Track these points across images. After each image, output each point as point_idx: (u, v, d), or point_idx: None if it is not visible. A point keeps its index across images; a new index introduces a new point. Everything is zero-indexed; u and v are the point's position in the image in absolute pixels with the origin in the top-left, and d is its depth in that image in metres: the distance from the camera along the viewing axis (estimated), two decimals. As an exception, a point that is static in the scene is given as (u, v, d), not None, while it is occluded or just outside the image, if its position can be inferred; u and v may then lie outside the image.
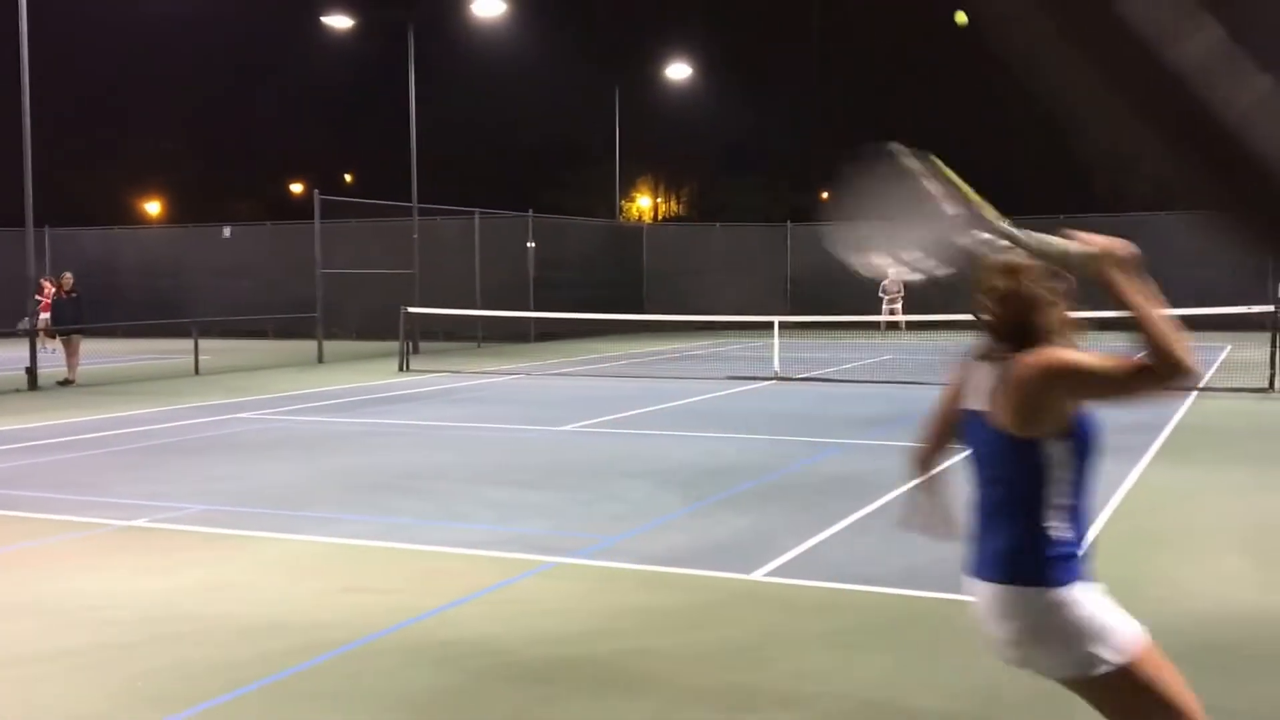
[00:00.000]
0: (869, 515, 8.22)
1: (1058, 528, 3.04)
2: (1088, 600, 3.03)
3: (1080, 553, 3.08)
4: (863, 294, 31.67)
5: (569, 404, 15.81)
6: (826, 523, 7.95)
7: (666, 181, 62.34)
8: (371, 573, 6.94)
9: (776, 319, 20.36)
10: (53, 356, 20.82)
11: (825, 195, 59.30)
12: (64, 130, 43.68)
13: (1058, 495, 3.03)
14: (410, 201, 28.13)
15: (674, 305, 32.74)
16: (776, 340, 19.45)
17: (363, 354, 24.99)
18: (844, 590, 6.39)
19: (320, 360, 23.56)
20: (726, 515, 8.34)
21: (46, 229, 32.53)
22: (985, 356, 3.14)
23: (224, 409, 15.43)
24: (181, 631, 5.79)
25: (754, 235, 37.90)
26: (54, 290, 20.53)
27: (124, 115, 55.16)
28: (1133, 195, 40.00)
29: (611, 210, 43.46)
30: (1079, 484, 3.06)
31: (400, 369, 21.28)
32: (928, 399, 13.80)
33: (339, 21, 30.90)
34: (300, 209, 39.61)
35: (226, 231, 36.18)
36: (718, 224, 40.15)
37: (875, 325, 30.91)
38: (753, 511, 8.45)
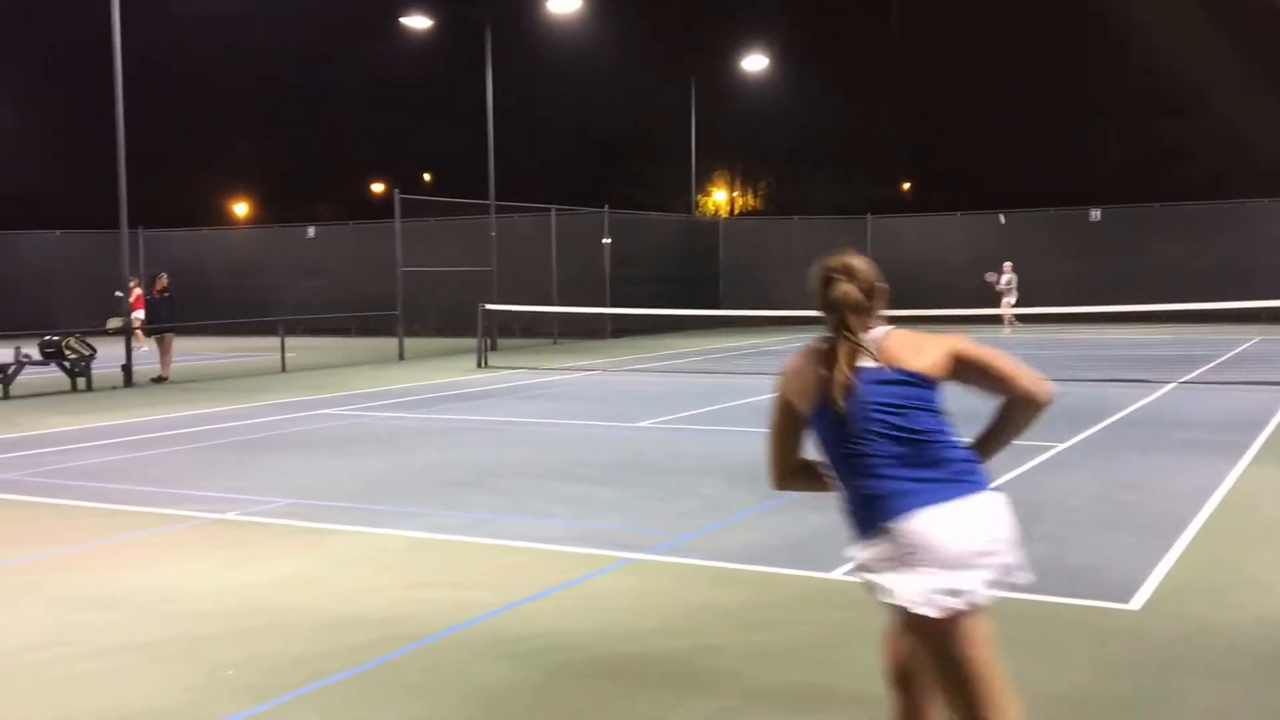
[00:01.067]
0: (945, 512, 8.13)
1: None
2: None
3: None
4: (943, 288, 31.34)
5: (644, 400, 15.85)
6: (902, 519, 7.87)
7: (743, 175, 62.08)
8: (448, 567, 7.03)
9: (855, 314, 20.16)
10: (147, 354, 21.35)
11: (906, 187, 58.73)
12: (156, 134, 44.67)
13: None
14: (487, 199, 28.37)
15: (751, 300, 32.65)
16: (854, 335, 19.26)
17: (442, 351, 25.27)
18: (919, 588, 6.33)
19: (401, 357, 23.88)
20: (803, 513, 8.30)
21: (140, 231, 33.36)
22: (840, 337, 3.59)
23: (308, 405, 15.71)
24: (263, 624, 5.91)
25: (833, 228, 37.57)
26: (140, 290, 21.02)
27: (212, 118, 56.29)
28: (1237, 181, 39.08)
29: (688, 204, 43.42)
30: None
31: (478, 365, 21.49)
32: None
33: (417, 22, 31.23)
34: (381, 208, 40.14)
35: (310, 231, 36.80)
36: (796, 217, 39.92)
37: (961, 319, 30.32)
38: (827, 509, 8.37)
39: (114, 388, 18.84)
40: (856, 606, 6.06)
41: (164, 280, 20.78)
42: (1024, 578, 3.46)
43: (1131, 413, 13.47)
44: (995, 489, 3.37)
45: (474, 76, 29.59)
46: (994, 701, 3.21)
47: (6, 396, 17.52)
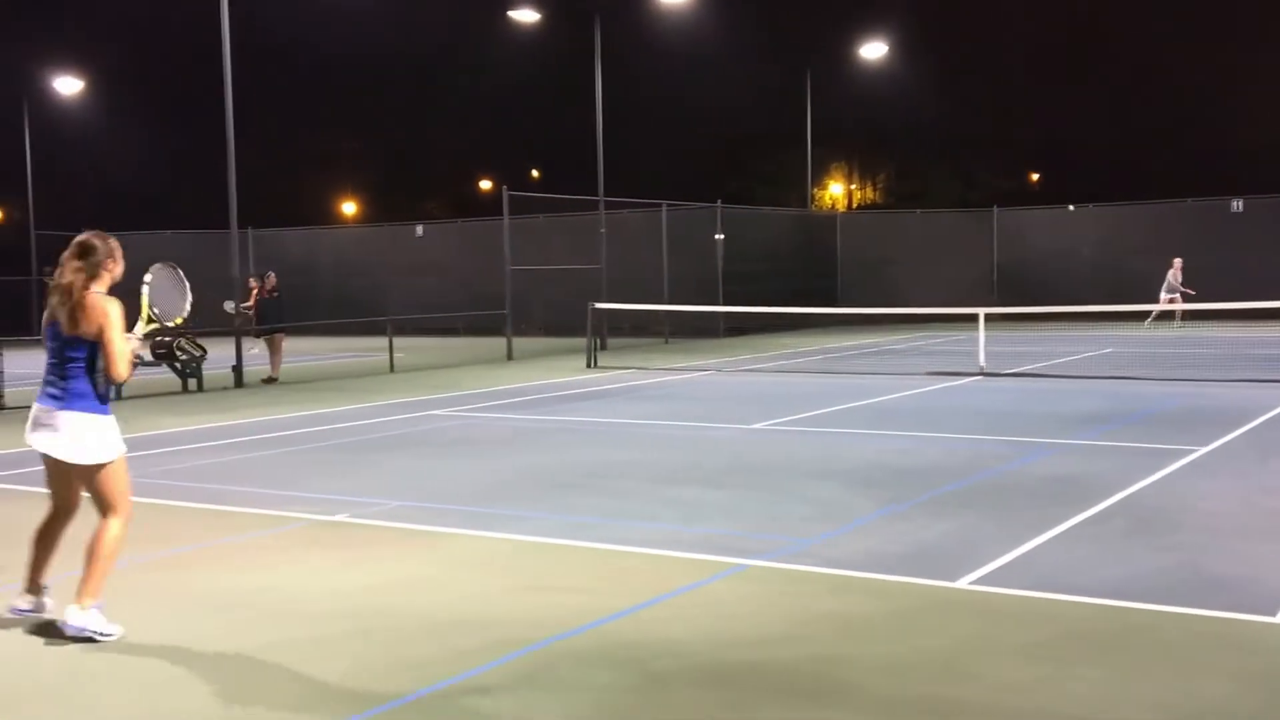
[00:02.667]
0: (1083, 522, 7.94)
1: (100, 384, 5.99)
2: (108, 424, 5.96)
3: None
4: (1075, 282, 30.65)
5: (758, 401, 15.77)
6: (1036, 529, 7.70)
7: (861, 167, 61.46)
8: (558, 572, 7.07)
9: (982, 310, 19.84)
10: (257, 356, 21.90)
11: (1035, 178, 57.58)
12: (267, 133, 45.88)
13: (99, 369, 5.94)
14: (597, 195, 28.51)
15: (870, 297, 32.32)
16: (982, 333, 18.96)
17: (551, 350, 25.47)
18: (1052, 600, 6.18)
19: (510, 357, 24.14)
20: (926, 519, 8.18)
21: (250, 230, 34.29)
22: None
23: (417, 406, 15.96)
24: (374, 627, 6.01)
25: (956, 222, 37.05)
26: (257, 289, 21.56)
27: (321, 117, 57.61)
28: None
29: (803, 199, 43.13)
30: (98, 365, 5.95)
31: (587, 365, 21.61)
32: (1152, 395, 13.37)
33: (526, 15, 31.54)
34: (489, 206, 40.64)
35: (419, 230, 37.43)
36: (917, 210, 39.40)
37: (1115, 316, 29.55)
38: (955, 515, 8.27)
39: (224, 388, 19.38)
40: (985, 618, 5.94)
41: (273, 280, 21.29)
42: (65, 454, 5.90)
43: (1278, 415, 13.00)
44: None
45: (583, 70, 29.78)
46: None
47: (119, 397, 18.13)
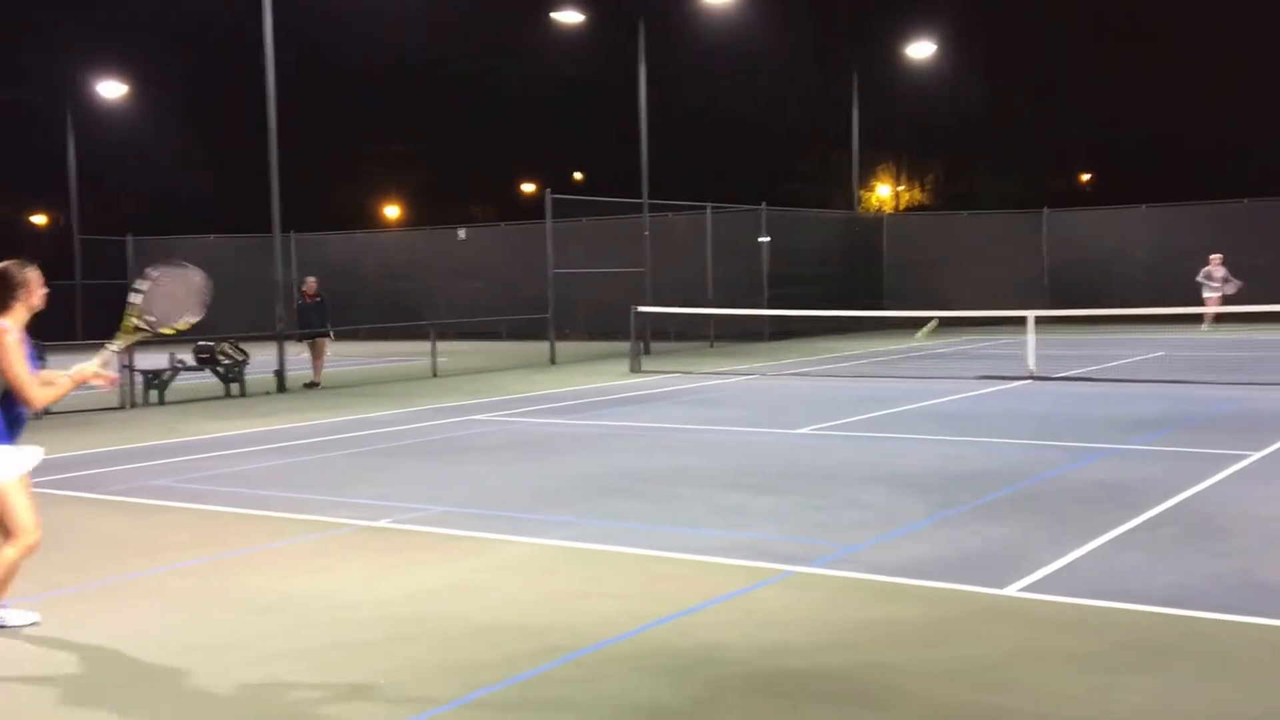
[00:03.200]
0: (1136, 528, 7.89)
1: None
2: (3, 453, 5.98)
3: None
4: (1127, 284, 30.37)
5: (804, 405, 15.76)
6: (1087, 535, 7.66)
7: (908, 168, 61.14)
8: (603, 577, 7.11)
9: (1032, 313, 19.72)
10: (299, 359, 22.12)
11: (1086, 179, 57.05)
12: (309, 137, 46.31)
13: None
14: (640, 198, 28.56)
15: (918, 300, 32.16)
16: (1032, 336, 18.84)
17: (594, 354, 25.55)
18: (1103, 608, 6.15)
19: (553, 361, 24.23)
20: (976, 525, 8.15)
21: (292, 234, 34.60)
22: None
23: (460, 411, 16.07)
24: (418, 633, 6.07)
25: (1006, 224, 36.79)
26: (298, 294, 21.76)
27: (363, 121, 58.04)
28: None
29: (849, 200, 42.98)
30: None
31: (631, 370, 21.66)
32: (1206, 398, 13.24)
33: (569, 17, 31.65)
34: (532, 209, 40.79)
35: (462, 233, 37.62)
36: (965, 212, 39.17)
37: (1168, 319, 29.23)
38: (1005, 521, 8.23)
39: (267, 393, 19.59)
40: (1035, 625, 5.92)
41: (313, 284, 21.49)
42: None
43: (1342, 420, 12.83)
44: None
45: (627, 72, 29.84)
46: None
47: (161, 402, 18.37)
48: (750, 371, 21.33)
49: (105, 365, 6.22)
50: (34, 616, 6.35)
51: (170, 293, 6.51)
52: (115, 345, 6.31)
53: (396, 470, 11.23)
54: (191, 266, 6.67)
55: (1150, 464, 10.35)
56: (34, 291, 6.14)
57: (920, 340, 25.04)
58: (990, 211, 38.83)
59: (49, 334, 21.76)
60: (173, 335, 6.52)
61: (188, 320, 6.53)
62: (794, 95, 52.81)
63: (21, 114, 46.92)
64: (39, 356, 6.24)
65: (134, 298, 6.35)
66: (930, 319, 24.08)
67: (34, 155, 47.46)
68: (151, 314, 6.38)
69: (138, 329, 6.35)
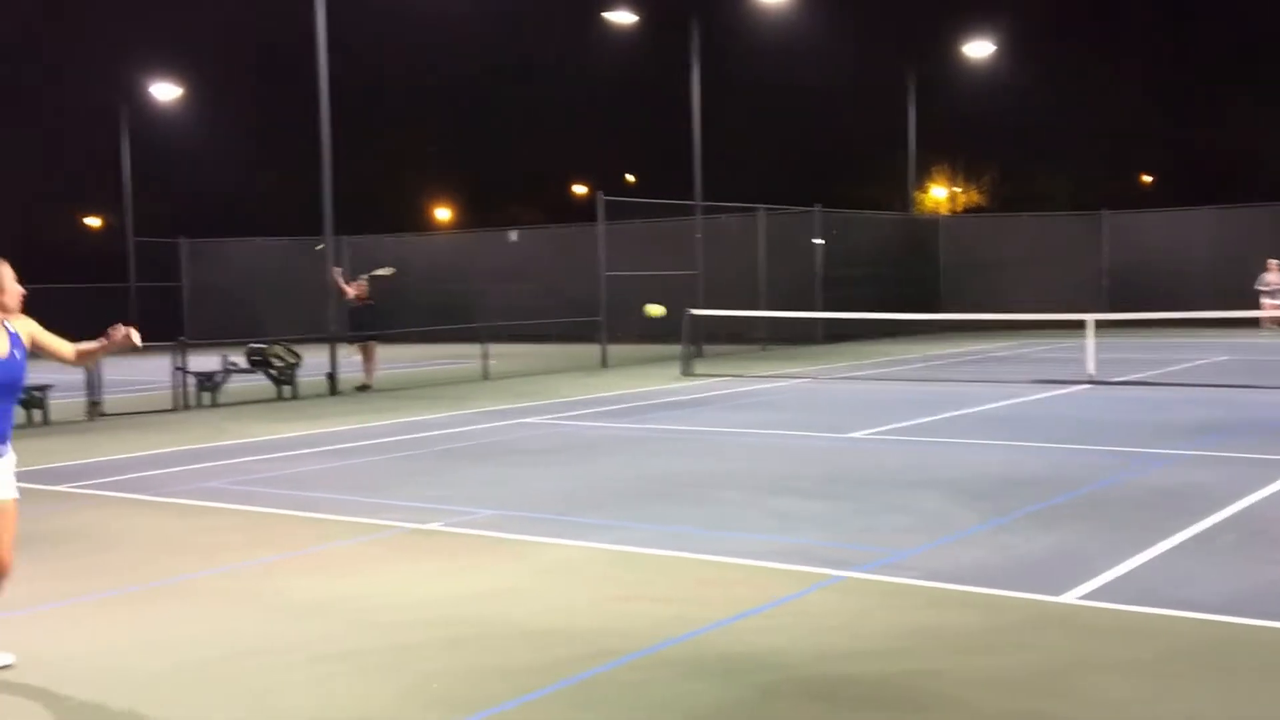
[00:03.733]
0: (1193, 536, 7.82)
1: None
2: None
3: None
4: (1190, 288, 29.97)
5: (858, 409, 15.71)
6: (1144, 543, 7.60)
7: (965, 169, 60.72)
8: (653, 582, 7.15)
9: (1091, 317, 19.54)
10: (350, 362, 22.34)
11: (1147, 180, 56.39)
12: (361, 140, 46.73)
13: None
14: (693, 200, 28.57)
15: (974, 303, 31.96)
16: (1091, 340, 18.67)
17: (645, 358, 25.59)
18: (1159, 616, 6.11)
19: (604, 364, 24.31)
20: (1031, 531, 8.11)
21: (345, 237, 34.93)
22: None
23: (510, 414, 16.17)
24: (468, 635, 6.14)
25: (1064, 225, 36.46)
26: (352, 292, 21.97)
27: (414, 123, 58.48)
28: None
29: (905, 202, 42.77)
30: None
31: (683, 373, 21.68)
32: (1267, 404, 13.08)
33: (621, 17, 31.74)
34: (583, 211, 40.93)
35: (513, 235, 37.81)
36: (1024, 214, 38.84)
37: (1230, 323, 28.86)
38: (1060, 528, 8.19)
39: (319, 395, 19.80)
40: (1092, 634, 5.89)
41: (364, 287, 21.67)
42: None
43: None
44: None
45: (679, 73, 29.88)
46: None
47: (214, 404, 18.63)
48: (803, 375, 21.29)
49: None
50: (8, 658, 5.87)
51: None
52: None
53: (447, 473, 11.33)
54: None
55: (1209, 470, 10.24)
56: (5, 290, 5.91)
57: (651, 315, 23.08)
58: (1048, 213, 38.48)
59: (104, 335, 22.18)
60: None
61: None
62: (849, 96, 52.61)
63: (77, 117, 47.75)
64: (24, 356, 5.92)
65: None
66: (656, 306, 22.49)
67: (89, 158, 48.31)
68: None
69: None
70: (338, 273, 22.35)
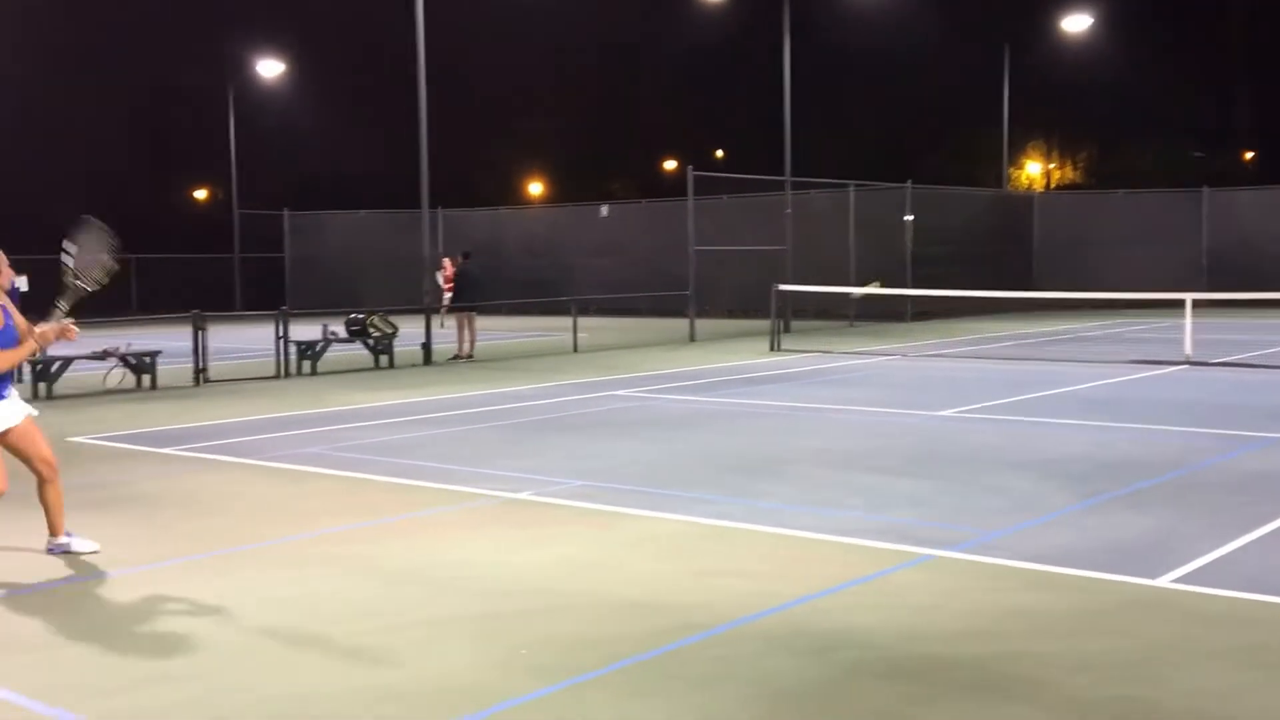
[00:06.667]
0: (1293, 519, 7.58)
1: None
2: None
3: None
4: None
5: (947, 387, 15.49)
6: (1242, 527, 7.38)
7: (1060, 145, 59.46)
8: (739, 556, 7.10)
9: (1189, 296, 19.04)
10: (445, 332, 22.57)
11: (1249, 156, 54.77)
12: (457, 114, 47.02)
13: None
14: (783, 175, 28.33)
15: (1068, 281, 31.32)
16: (1189, 320, 18.20)
17: (733, 332, 25.49)
18: (1258, 602, 5.92)
19: (692, 339, 24.25)
20: (1125, 514, 7.92)
21: (440, 210, 35.25)
22: None
23: (599, 386, 16.20)
24: (557, 605, 6.15)
25: (1163, 203, 35.57)
26: (453, 268, 22.20)
27: (509, 98, 58.71)
28: None
29: (998, 178, 42.03)
30: None
31: (770, 348, 21.55)
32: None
33: (714, -7, 31.49)
34: (674, 186, 40.81)
35: (604, 210, 37.84)
36: (1120, 191, 37.96)
37: None
38: (1156, 511, 7.98)
39: (414, 365, 20.01)
40: (1186, 619, 5.74)
41: (455, 262, 21.83)
42: None
43: None
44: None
45: (771, 48, 29.59)
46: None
47: (314, 373, 18.90)
48: (891, 352, 21.04)
49: (58, 324, 6.92)
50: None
51: (88, 248, 7.06)
52: (62, 305, 6.95)
53: (537, 444, 11.37)
54: (95, 222, 7.14)
55: (1313, 455, 9.91)
56: (2, 272, 6.74)
57: (867, 293, 23.01)
58: (1146, 191, 37.58)
59: (210, 305, 22.61)
60: (101, 286, 7.08)
61: (105, 266, 7.08)
62: (943, 69, 51.76)
63: (186, 93, 48.67)
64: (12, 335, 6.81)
65: (67, 260, 6.96)
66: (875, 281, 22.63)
67: (196, 133, 49.24)
68: (79, 272, 6.97)
69: (74, 290, 6.96)
70: (446, 262, 22.61)
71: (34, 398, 15.64)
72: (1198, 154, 50.28)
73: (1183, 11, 51.56)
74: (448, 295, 23.01)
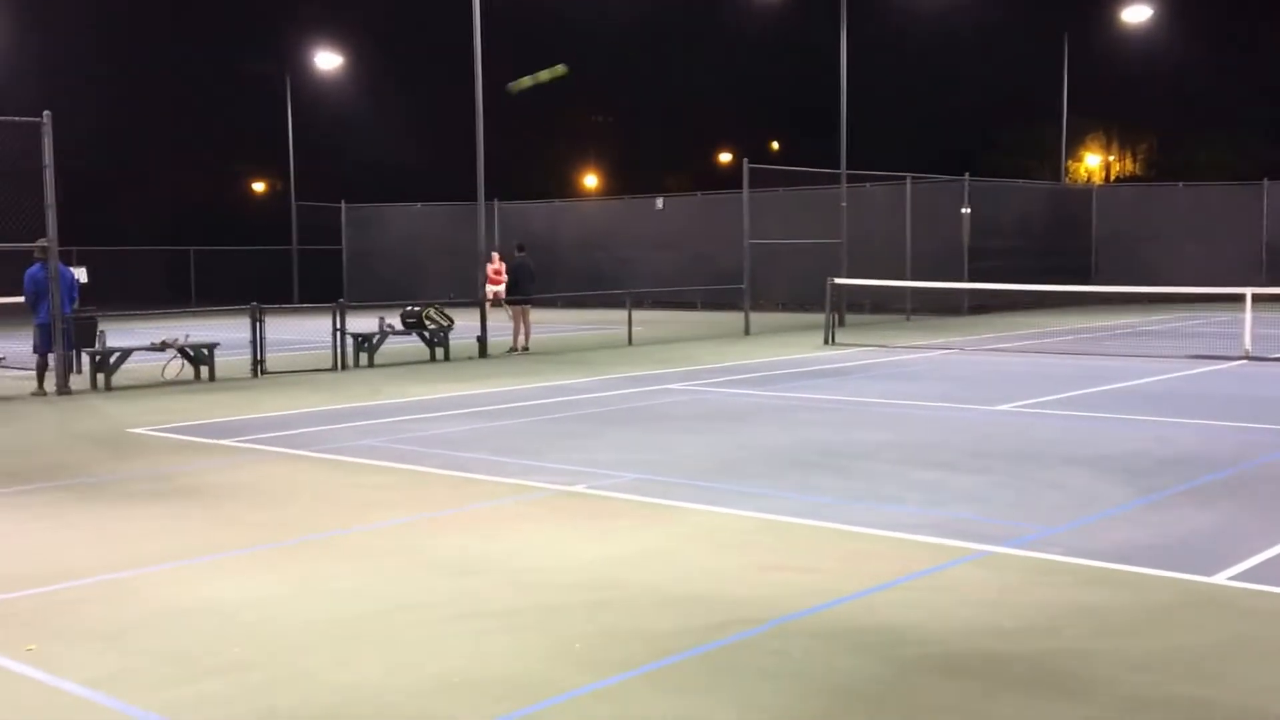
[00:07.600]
0: (1358, 518, 7.45)
1: None
2: None
3: None
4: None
5: (1004, 382, 15.36)
6: (1304, 524, 7.28)
7: (1119, 138, 58.67)
8: (793, 550, 7.09)
9: (1249, 290, 18.74)
10: (500, 325, 22.67)
11: (1312, 148, 53.68)
12: (514, 107, 47.15)
13: None
14: (838, 168, 28.20)
15: (1127, 275, 30.93)
16: (1249, 315, 17.92)
17: (788, 326, 25.41)
18: (1323, 602, 5.84)
19: (747, 332, 24.20)
20: (1184, 510, 7.82)
21: (496, 202, 35.41)
22: None
23: (654, 380, 16.22)
24: (612, 598, 6.17)
25: (1223, 196, 35.02)
26: (502, 262, 22.32)
27: (565, 91, 58.76)
28: None
29: (1056, 171, 41.57)
30: None
31: (826, 342, 21.47)
32: None
33: (769, -14, 31.34)
34: (729, 179, 40.72)
35: (659, 203, 37.83)
36: (1180, 184, 37.42)
37: None
38: (1215, 507, 7.88)
39: (469, 358, 20.13)
40: (1245, 616, 5.67)
41: (503, 256, 21.93)
42: None
43: None
44: None
45: (827, 41, 29.43)
46: None
47: (371, 364, 19.07)
48: (948, 346, 20.89)
49: None
50: None
51: None
52: None
53: (592, 437, 11.41)
54: None
55: (1378, 453, 9.74)
56: None
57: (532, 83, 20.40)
58: (1207, 184, 37.01)
59: (268, 297, 22.89)
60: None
61: None
62: (1001, 61, 51.23)
63: (245, 86, 49.20)
64: None
65: None
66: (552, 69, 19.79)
67: (256, 125, 49.75)
68: None
69: None
70: (496, 258, 22.64)
71: (92, 388, 15.92)
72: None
73: (1244, 1, 50.65)
74: (493, 289, 23.12)
